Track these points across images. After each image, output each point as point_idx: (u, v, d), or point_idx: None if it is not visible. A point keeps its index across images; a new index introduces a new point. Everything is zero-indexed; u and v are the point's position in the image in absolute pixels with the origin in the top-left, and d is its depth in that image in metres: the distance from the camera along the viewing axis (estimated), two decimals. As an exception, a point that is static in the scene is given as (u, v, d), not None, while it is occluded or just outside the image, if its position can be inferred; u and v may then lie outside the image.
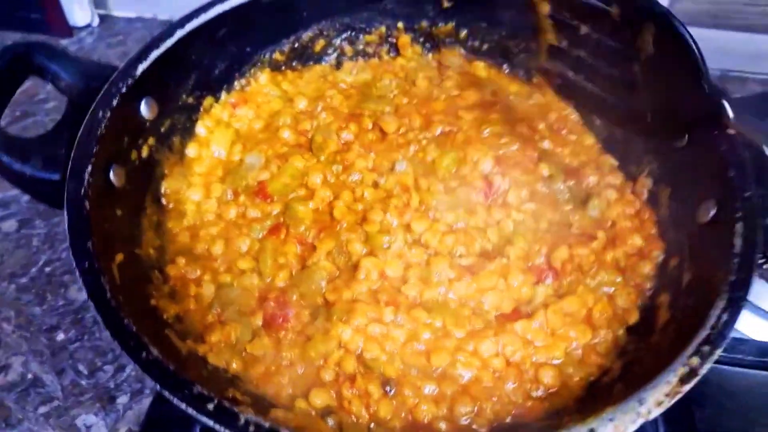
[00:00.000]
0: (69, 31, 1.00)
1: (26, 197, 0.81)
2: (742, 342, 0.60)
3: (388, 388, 0.45)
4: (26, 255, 0.75)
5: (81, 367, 0.67)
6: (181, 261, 0.52)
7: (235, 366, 0.46)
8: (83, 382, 0.66)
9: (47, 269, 0.74)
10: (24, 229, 0.78)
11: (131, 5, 1.02)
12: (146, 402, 0.63)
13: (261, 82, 0.66)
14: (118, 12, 1.04)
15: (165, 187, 0.56)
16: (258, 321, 0.49)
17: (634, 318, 0.49)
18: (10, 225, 0.78)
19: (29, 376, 0.66)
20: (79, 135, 0.47)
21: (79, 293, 0.72)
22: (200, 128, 0.61)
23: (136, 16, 1.03)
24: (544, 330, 0.48)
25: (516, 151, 0.58)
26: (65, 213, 0.42)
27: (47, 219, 0.78)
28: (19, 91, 0.50)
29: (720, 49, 0.90)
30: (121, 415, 0.63)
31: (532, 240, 0.53)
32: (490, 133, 0.60)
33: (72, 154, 0.46)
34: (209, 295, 0.50)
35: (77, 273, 0.40)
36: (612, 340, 0.48)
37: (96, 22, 1.01)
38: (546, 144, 0.60)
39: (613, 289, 0.50)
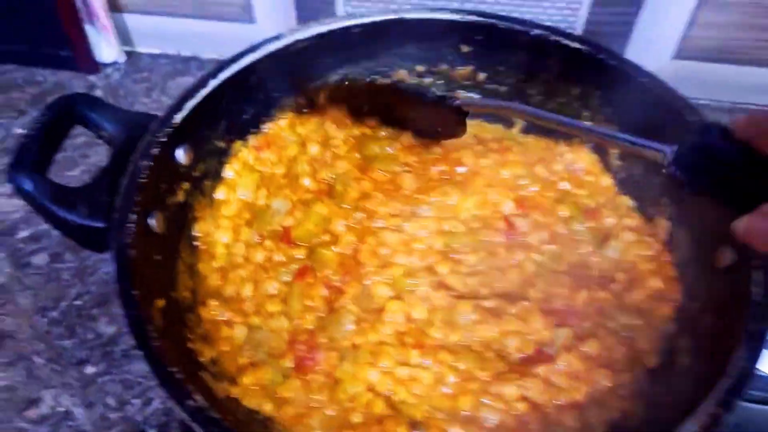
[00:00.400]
0: (96, 67, 1.04)
1: (57, 232, 0.83)
2: (759, 379, 0.61)
3: None
4: (56, 288, 0.77)
5: (110, 401, 0.68)
6: (213, 303, 0.54)
7: (267, 408, 0.48)
8: (112, 416, 0.67)
9: (77, 302, 0.76)
10: (55, 263, 0.80)
11: (156, 42, 1.06)
12: (173, 436, 0.64)
13: (281, 125, 0.68)
14: (142, 49, 1.07)
15: (197, 229, 0.59)
16: (289, 363, 0.50)
17: (654, 361, 0.50)
18: (42, 259, 0.80)
19: (60, 409, 0.68)
20: (122, 184, 0.49)
21: (107, 327, 0.74)
22: (228, 171, 0.64)
23: (160, 52, 1.06)
24: (567, 372, 0.49)
25: (536, 192, 0.60)
26: (112, 262, 0.45)
27: (77, 253, 0.81)
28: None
29: (729, 82, 0.93)
30: (149, 448, 0.65)
31: (552, 282, 0.54)
32: (510, 175, 0.62)
33: (116, 203, 0.48)
34: (241, 337, 0.52)
35: (124, 321, 0.42)
36: (632, 382, 0.49)
37: (122, 58, 1.05)
38: (565, 185, 0.62)
39: (633, 332, 0.51)
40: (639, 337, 0.51)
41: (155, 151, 0.52)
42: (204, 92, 0.57)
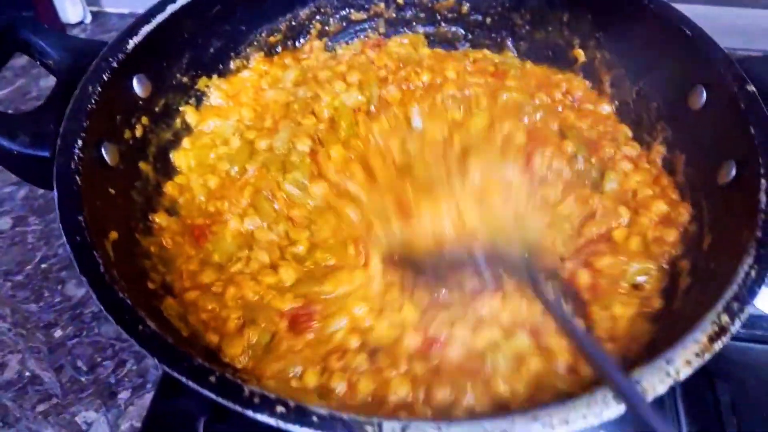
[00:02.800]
0: (62, 28, 0.99)
1: (21, 194, 0.79)
2: (761, 318, 0.58)
3: None
4: (21, 252, 0.73)
5: (80, 364, 0.64)
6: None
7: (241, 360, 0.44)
8: (83, 379, 0.63)
9: (43, 266, 0.72)
10: (19, 227, 0.75)
11: (124, 1, 1.01)
12: (148, 397, 0.60)
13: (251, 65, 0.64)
14: (110, 8, 1.02)
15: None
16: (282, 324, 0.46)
17: (658, 303, 0.46)
18: (4, 222, 0.76)
19: (26, 373, 0.64)
20: (68, 110, 0.45)
21: (77, 289, 0.70)
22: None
23: (128, 11, 1.01)
24: None
25: (540, 121, 0.57)
26: (54, 188, 0.40)
27: (42, 215, 0.76)
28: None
29: (726, 27, 0.88)
30: (122, 410, 0.61)
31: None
32: (509, 100, 0.58)
33: (61, 130, 0.44)
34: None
35: (68, 248, 0.37)
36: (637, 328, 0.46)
37: (88, 18, 1.00)
38: (567, 114, 0.59)
39: (646, 277, 0.48)
40: (648, 282, 0.48)
41: (107, 76, 0.48)
42: (161, 18, 0.53)
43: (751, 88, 0.47)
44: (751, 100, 0.46)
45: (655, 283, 0.47)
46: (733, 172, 0.46)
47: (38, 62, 0.49)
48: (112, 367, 0.64)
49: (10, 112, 0.48)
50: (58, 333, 0.67)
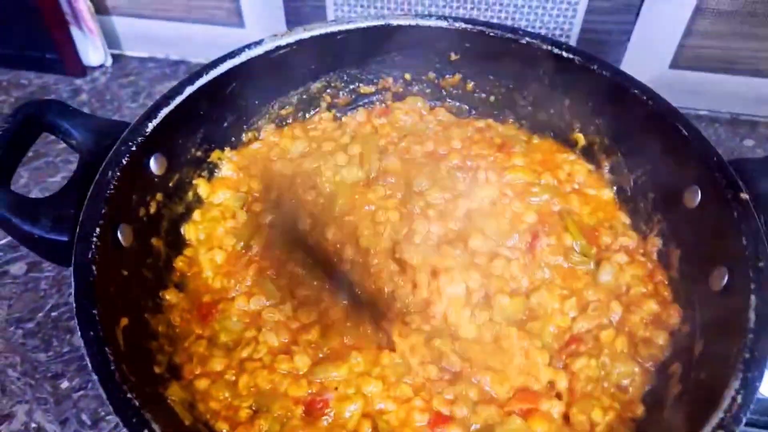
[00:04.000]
0: (83, 70, 1.02)
1: (35, 239, 0.82)
2: (759, 402, 0.58)
3: None
4: (34, 299, 0.75)
5: (84, 417, 0.66)
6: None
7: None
8: (86, 433, 0.65)
9: (54, 314, 0.74)
10: (32, 272, 0.78)
11: (144, 45, 1.04)
12: (147, 454, 0.62)
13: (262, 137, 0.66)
14: (130, 52, 1.05)
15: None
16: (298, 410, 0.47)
17: (640, 410, 0.48)
18: (19, 268, 0.78)
19: (33, 425, 0.65)
20: (88, 196, 0.47)
21: (84, 339, 0.72)
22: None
23: (148, 56, 1.05)
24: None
25: (545, 203, 0.59)
26: (72, 279, 0.42)
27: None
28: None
29: (730, 93, 0.90)
30: (122, 467, 0.62)
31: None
32: (514, 180, 0.61)
33: (81, 216, 0.46)
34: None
35: (81, 342, 0.39)
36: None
37: (109, 61, 1.03)
38: (569, 195, 0.61)
39: (629, 380, 0.49)
40: (632, 385, 0.49)
41: (125, 160, 0.50)
42: (179, 99, 0.55)
43: (744, 195, 0.48)
44: (744, 208, 0.47)
45: (638, 387, 0.48)
46: (726, 279, 0.47)
47: (63, 142, 0.52)
48: (115, 422, 0.66)
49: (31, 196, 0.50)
50: (65, 384, 0.68)
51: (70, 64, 1.00)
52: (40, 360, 0.70)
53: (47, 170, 0.87)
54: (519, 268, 0.55)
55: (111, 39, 1.02)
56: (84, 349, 0.39)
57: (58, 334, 0.72)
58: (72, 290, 0.71)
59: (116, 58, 1.04)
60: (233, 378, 0.48)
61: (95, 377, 0.38)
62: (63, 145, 0.87)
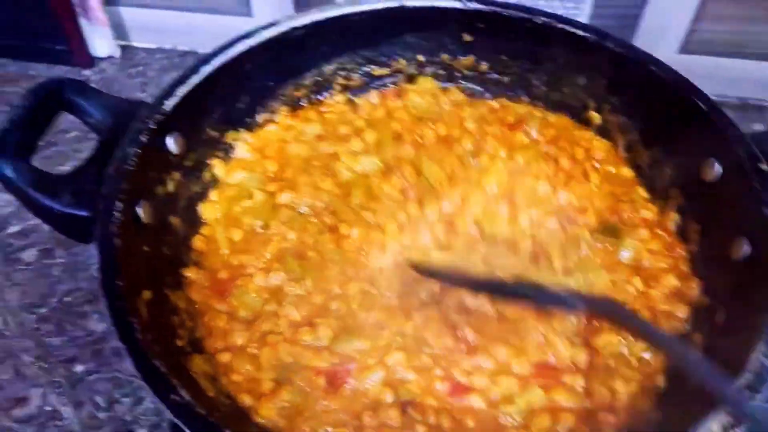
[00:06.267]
0: (91, 61, 1.02)
1: (47, 227, 0.81)
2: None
3: None
4: (46, 284, 0.75)
5: (99, 400, 0.66)
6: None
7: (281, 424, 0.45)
8: (101, 415, 0.65)
9: (67, 299, 0.74)
10: (45, 259, 0.78)
11: (152, 36, 1.04)
12: (163, 436, 0.62)
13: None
14: (138, 43, 1.05)
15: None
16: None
17: (662, 381, 0.48)
18: (31, 254, 0.78)
19: (47, 408, 0.66)
20: (108, 172, 0.47)
21: (98, 324, 0.72)
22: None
23: (156, 46, 1.05)
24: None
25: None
26: (97, 251, 0.43)
27: (68, 248, 0.79)
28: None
29: (739, 77, 0.91)
30: (138, 448, 0.62)
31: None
32: (524, 163, 0.60)
33: (102, 191, 0.46)
34: None
35: (107, 312, 0.40)
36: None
37: (117, 53, 1.03)
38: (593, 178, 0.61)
39: (651, 353, 0.49)
40: (652, 359, 0.49)
41: (144, 138, 0.50)
42: (196, 79, 0.55)
43: (765, 166, 0.48)
44: (765, 180, 0.48)
45: (660, 360, 0.48)
46: (747, 250, 0.47)
47: (82, 121, 0.52)
48: (130, 404, 0.66)
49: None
50: (79, 368, 0.68)
51: (79, 55, 1.00)
52: (54, 344, 0.70)
53: (58, 158, 0.87)
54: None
55: (119, 30, 1.02)
56: (110, 318, 0.39)
57: (71, 318, 0.72)
58: (85, 274, 0.74)
59: (124, 48, 1.04)
60: (255, 351, 0.48)
61: (122, 346, 0.38)
62: (73, 134, 0.89)
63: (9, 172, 0.46)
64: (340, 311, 0.51)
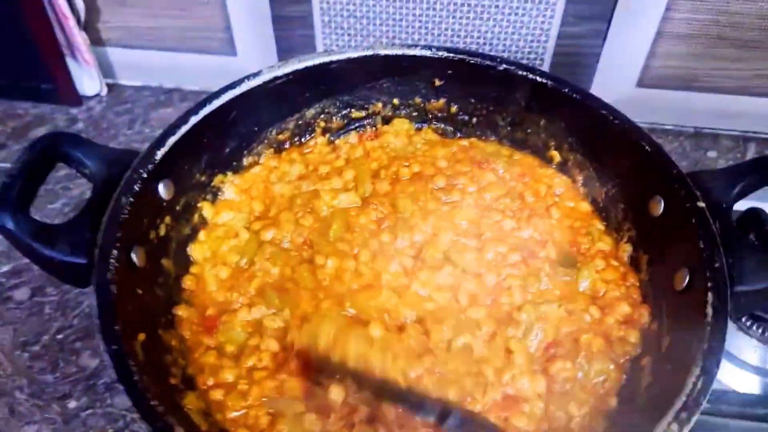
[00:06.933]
0: (78, 100, 1.05)
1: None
2: (726, 393, 0.64)
3: None
4: (38, 322, 0.78)
5: (92, 435, 0.68)
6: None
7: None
8: (94, 451, 0.67)
9: (59, 336, 0.76)
10: (36, 297, 0.80)
11: (138, 74, 1.08)
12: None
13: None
14: (125, 81, 1.09)
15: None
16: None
17: (614, 402, 0.52)
18: (23, 293, 0.81)
19: (41, 445, 0.68)
20: (104, 221, 0.51)
21: (90, 360, 0.74)
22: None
23: (142, 84, 1.08)
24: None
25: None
26: (95, 298, 0.46)
27: (59, 286, 0.81)
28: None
29: (693, 108, 0.98)
30: (131, 484, 0.65)
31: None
32: (492, 199, 0.65)
33: (98, 240, 0.50)
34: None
35: (106, 356, 0.43)
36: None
37: (104, 91, 1.06)
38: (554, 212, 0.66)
39: (605, 377, 0.53)
40: (609, 380, 0.53)
41: (137, 187, 0.54)
42: (185, 128, 0.59)
43: (701, 204, 0.54)
44: (701, 216, 0.53)
45: (613, 383, 0.53)
46: (687, 280, 0.52)
47: (77, 171, 0.55)
48: (123, 439, 0.68)
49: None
50: (72, 404, 0.71)
51: (66, 94, 1.03)
52: (48, 381, 0.72)
53: (48, 197, 0.90)
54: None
55: (106, 68, 1.05)
56: (108, 362, 0.43)
57: (64, 355, 0.75)
58: (76, 311, 0.76)
59: (111, 86, 1.08)
60: (245, 387, 0.51)
61: (121, 387, 0.41)
62: (62, 173, 0.91)
63: (10, 224, 0.49)
64: None
